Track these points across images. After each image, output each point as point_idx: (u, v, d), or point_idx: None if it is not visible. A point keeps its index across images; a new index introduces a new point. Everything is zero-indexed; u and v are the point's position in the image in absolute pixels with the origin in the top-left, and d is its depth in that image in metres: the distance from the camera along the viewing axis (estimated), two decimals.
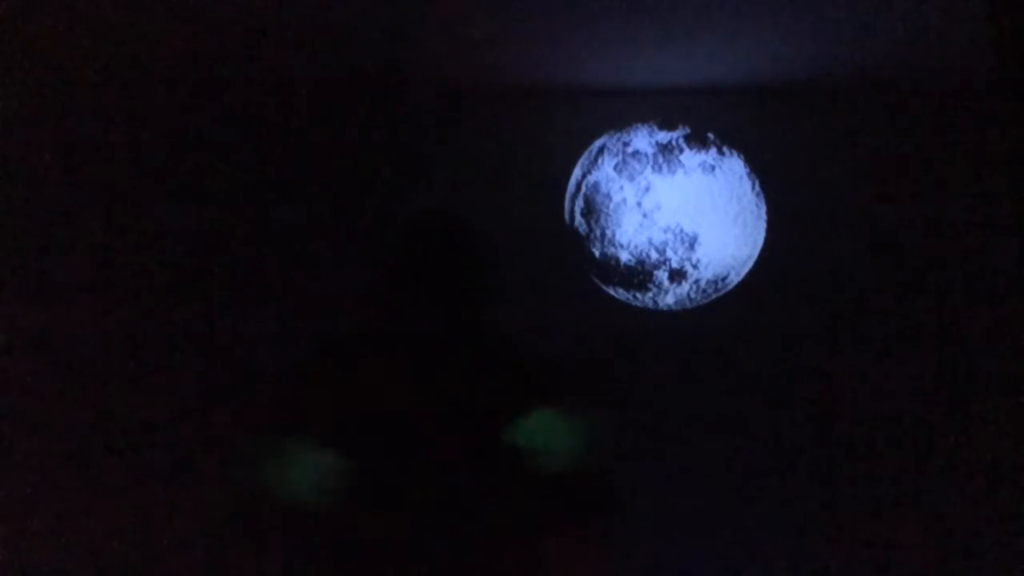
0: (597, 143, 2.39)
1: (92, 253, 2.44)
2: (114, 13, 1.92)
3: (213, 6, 1.91)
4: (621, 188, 2.28)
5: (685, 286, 2.30)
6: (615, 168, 2.30)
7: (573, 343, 2.45)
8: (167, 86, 2.35)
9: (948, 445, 2.39)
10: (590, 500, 2.18)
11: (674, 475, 2.41)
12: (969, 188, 2.46)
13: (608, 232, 2.28)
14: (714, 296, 2.35)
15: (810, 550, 2.38)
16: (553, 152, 2.47)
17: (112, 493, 2.34)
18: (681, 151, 2.27)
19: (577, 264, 2.40)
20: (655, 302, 2.35)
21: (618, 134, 2.35)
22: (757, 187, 2.33)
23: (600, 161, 2.34)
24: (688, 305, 2.35)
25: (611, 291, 2.38)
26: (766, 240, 2.36)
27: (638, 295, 2.34)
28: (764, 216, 2.34)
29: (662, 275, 2.28)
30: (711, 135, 2.31)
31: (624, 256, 2.28)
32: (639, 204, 2.26)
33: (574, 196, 2.38)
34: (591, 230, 2.31)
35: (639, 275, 2.29)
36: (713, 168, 2.27)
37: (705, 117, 2.40)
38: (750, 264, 2.35)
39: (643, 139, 2.31)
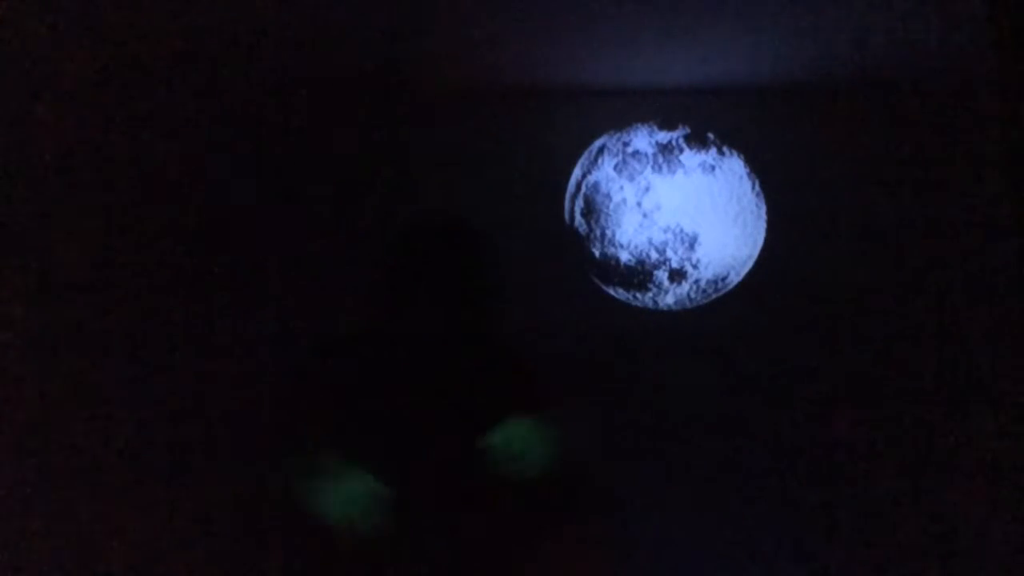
0: (597, 143, 2.39)
1: (92, 253, 2.44)
2: (114, 13, 1.92)
3: (213, 6, 1.91)
4: (621, 188, 2.28)
5: (685, 286, 2.30)
6: (615, 168, 2.30)
7: (573, 343, 2.45)
8: (167, 86, 2.35)
9: (948, 445, 2.39)
10: (590, 501, 2.18)
11: (674, 475, 2.42)
12: (969, 188, 2.46)
13: (608, 232, 2.28)
14: (714, 296, 2.35)
15: (810, 550, 2.38)
16: (553, 152, 2.47)
17: (112, 493, 2.34)
18: (681, 151, 2.27)
19: (577, 264, 2.40)
20: (655, 302, 2.35)
21: (618, 134, 2.35)
22: (757, 187, 2.33)
23: (600, 161, 2.34)
24: (688, 305, 2.35)
25: (611, 291, 2.38)
26: (766, 240, 2.36)
27: (638, 295, 2.34)
28: (764, 216, 2.35)
29: (662, 275, 2.28)
30: (711, 135, 2.31)
31: (624, 256, 2.28)
32: (639, 204, 2.26)
33: (574, 196, 2.38)
34: (591, 230, 2.31)
35: (639, 275, 2.29)
36: (713, 168, 2.27)
37: (705, 117, 2.40)
38: (750, 264, 2.35)
39: (643, 139, 2.31)
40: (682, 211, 2.24)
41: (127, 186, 2.48)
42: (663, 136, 2.30)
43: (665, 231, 2.25)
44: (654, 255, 2.26)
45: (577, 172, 2.40)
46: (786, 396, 2.44)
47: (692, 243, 2.25)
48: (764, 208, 2.34)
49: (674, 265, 2.26)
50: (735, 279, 2.34)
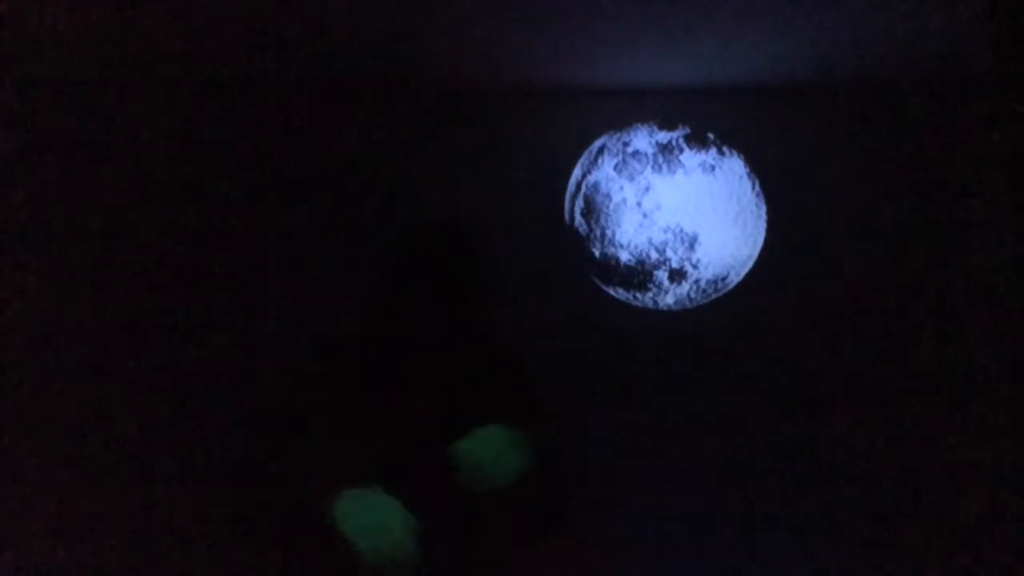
0: (597, 143, 2.39)
1: (92, 253, 2.44)
2: (114, 13, 1.92)
3: (213, 6, 1.91)
4: (621, 188, 2.28)
5: (685, 286, 2.30)
6: (615, 168, 2.30)
7: (573, 343, 2.45)
8: (167, 86, 2.35)
9: (948, 445, 2.39)
10: (589, 501, 2.19)
11: (674, 475, 2.42)
12: (969, 188, 2.46)
13: (608, 232, 2.28)
14: (714, 296, 2.35)
15: (810, 550, 2.38)
16: (553, 152, 2.48)
17: (112, 493, 2.34)
18: (681, 151, 2.27)
19: (577, 264, 2.40)
20: (655, 302, 2.35)
21: (618, 134, 2.35)
22: (757, 187, 2.33)
23: (600, 161, 2.34)
24: (688, 305, 2.35)
25: (611, 291, 2.38)
26: (766, 240, 2.36)
27: (638, 295, 2.34)
28: (764, 216, 2.34)
29: (662, 275, 2.28)
30: (711, 135, 2.31)
31: (624, 256, 2.28)
32: (639, 204, 2.26)
33: (574, 196, 2.38)
34: (591, 230, 2.31)
35: (639, 275, 2.29)
36: (713, 168, 2.28)
37: (705, 117, 2.40)
38: (750, 264, 2.35)
39: (643, 139, 2.31)
40: (682, 211, 2.25)
41: (127, 186, 2.48)
42: (663, 136, 2.30)
43: (665, 231, 2.25)
44: (654, 255, 2.26)
45: (577, 172, 2.40)
46: (786, 396, 2.44)
47: (692, 243, 2.25)
48: (764, 208, 2.34)
49: (674, 265, 2.26)
50: (735, 279, 2.34)
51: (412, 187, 2.50)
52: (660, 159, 2.27)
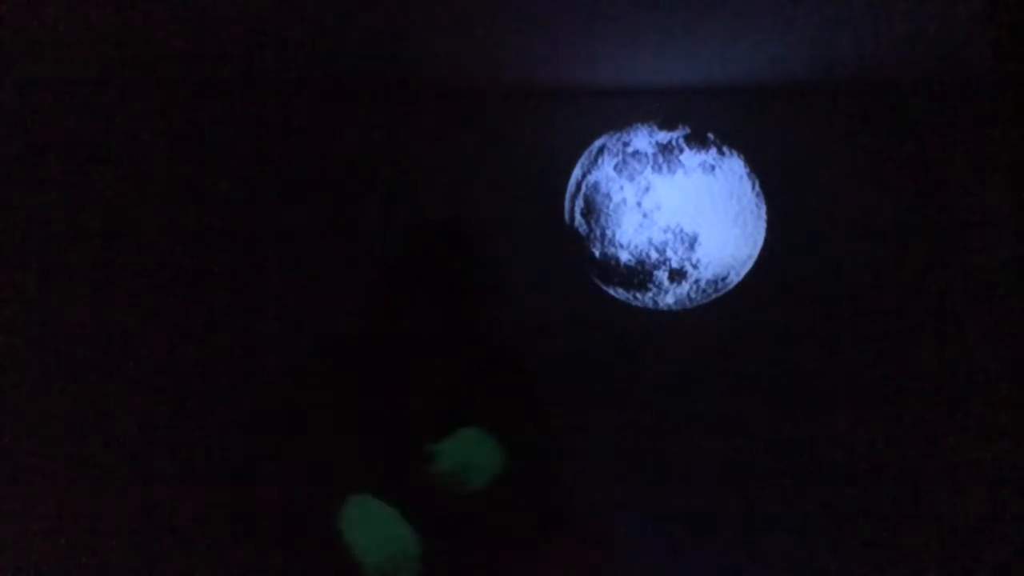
0: (597, 143, 2.39)
1: (92, 253, 2.44)
2: (114, 13, 1.92)
3: (213, 6, 1.91)
4: (621, 188, 2.28)
5: (685, 286, 2.30)
6: (615, 168, 2.30)
7: (573, 343, 2.46)
8: (167, 86, 2.35)
9: (948, 445, 2.40)
10: (589, 501, 2.18)
11: (674, 475, 2.42)
12: (969, 188, 2.46)
13: (608, 232, 2.28)
14: (714, 296, 2.35)
15: (810, 550, 2.38)
16: (553, 152, 2.48)
17: (112, 493, 2.34)
18: (681, 151, 2.27)
19: (577, 264, 2.40)
20: (655, 302, 2.35)
21: (618, 134, 2.35)
22: (757, 187, 2.33)
23: (600, 161, 2.34)
24: (688, 305, 2.35)
25: (611, 291, 2.38)
26: (766, 240, 2.36)
27: (638, 295, 2.34)
28: (764, 216, 2.34)
29: (662, 275, 2.28)
30: (711, 135, 2.31)
31: (624, 256, 2.28)
32: (639, 204, 2.26)
33: (574, 196, 2.38)
34: (591, 230, 2.31)
35: (639, 275, 2.29)
36: (713, 168, 2.27)
37: (705, 117, 2.40)
38: (750, 264, 2.35)
39: (643, 139, 2.31)
40: (682, 211, 2.24)
41: (127, 186, 2.48)
42: (663, 136, 2.30)
43: (665, 231, 2.25)
44: (654, 255, 2.26)
45: (577, 172, 2.40)
46: (786, 396, 2.44)
47: (692, 243, 2.25)
48: (764, 208, 2.34)
49: (674, 265, 2.26)
50: (735, 279, 2.34)
51: (412, 187, 2.50)
52: (660, 159, 2.27)
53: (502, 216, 2.48)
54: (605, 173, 2.31)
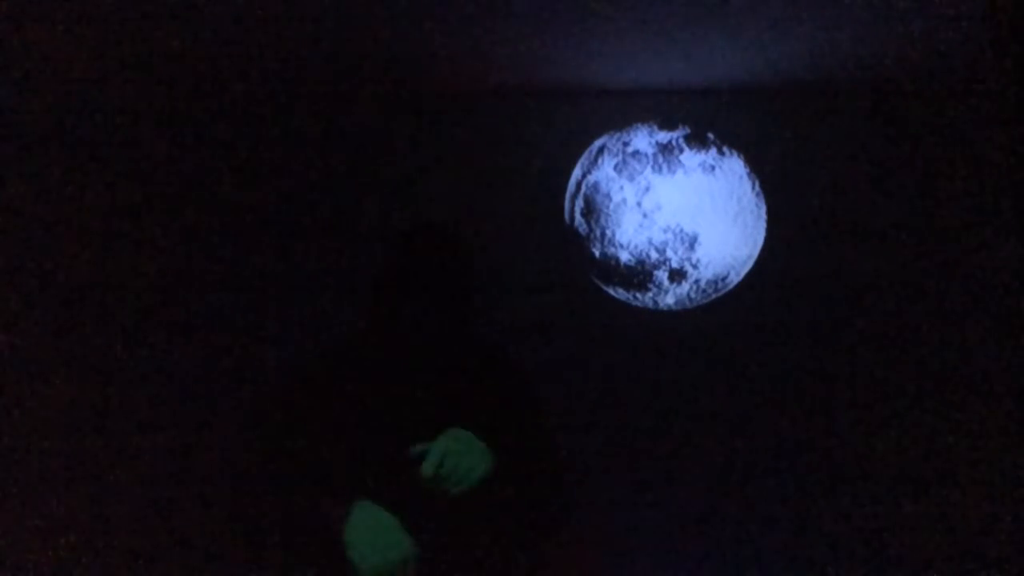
0: (597, 143, 2.39)
1: (92, 253, 2.45)
2: (114, 13, 1.92)
3: (213, 6, 1.91)
4: (621, 188, 2.28)
5: (685, 286, 2.30)
6: (615, 168, 2.30)
7: (573, 343, 2.46)
8: (167, 86, 2.35)
9: (948, 445, 2.40)
10: (588, 501, 2.18)
11: (674, 475, 2.42)
12: (969, 188, 2.46)
13: (608, 232, 2.28)
14: (714, 296, 2.35)
15: (810, 551, 2.38)
16: (553, 152, 2.48)
17: (112, 493, 2.34)
18: (681, 151, 2.27)
19: (577, 264, 2.40)
20: (655, 302, 2.35)
21: (618, 134, 2.35)
22: (757, 187, 2.33)
23: (600, 161, 2.34)
24: (688, 305, 2.35)
25: (611, 291, 2.38)
26: (766, 240, 2.36)
27: (638, 295, 2.34)
28: (764, 216, 2.34)
29: (662, 275, 2.28)
30: (711, 135, 2.31)
31: (624, 256, 2.28)
32: (639, 204, 2.26)
33: (574, 196, 2.38)
34: (591, 230, 2.31)
35: (639, 275, 2.29)
36: (713, 168, 2.27)
37: (705, 117, 2.40)
38: (750, 264, 2.35)
39: (643, 139, 2.31)
40: (682, 211, 2.24)
41: (128, 186, 2.48)
42: (663, 136, 2.30)
43: (665, 231, 2.25)
44: (654, 255, 2.26)
45: (577, 172, 2.40)
46: (786, 396, 2.44)
47: (692, 243, 2.25)
48: (764, 208, 2.34)
49: (674, 265, 2.26)
50: (735, 279, 2.34)
51: (412, 187, 2.50)
52: (660, 159, 2.27)
53: (502, 216, 2.48)
54: (605, 173, 2.31)
